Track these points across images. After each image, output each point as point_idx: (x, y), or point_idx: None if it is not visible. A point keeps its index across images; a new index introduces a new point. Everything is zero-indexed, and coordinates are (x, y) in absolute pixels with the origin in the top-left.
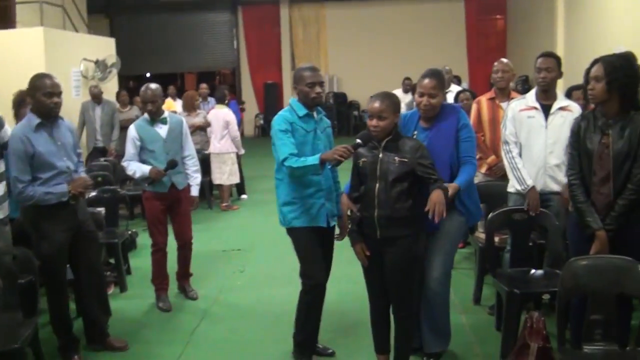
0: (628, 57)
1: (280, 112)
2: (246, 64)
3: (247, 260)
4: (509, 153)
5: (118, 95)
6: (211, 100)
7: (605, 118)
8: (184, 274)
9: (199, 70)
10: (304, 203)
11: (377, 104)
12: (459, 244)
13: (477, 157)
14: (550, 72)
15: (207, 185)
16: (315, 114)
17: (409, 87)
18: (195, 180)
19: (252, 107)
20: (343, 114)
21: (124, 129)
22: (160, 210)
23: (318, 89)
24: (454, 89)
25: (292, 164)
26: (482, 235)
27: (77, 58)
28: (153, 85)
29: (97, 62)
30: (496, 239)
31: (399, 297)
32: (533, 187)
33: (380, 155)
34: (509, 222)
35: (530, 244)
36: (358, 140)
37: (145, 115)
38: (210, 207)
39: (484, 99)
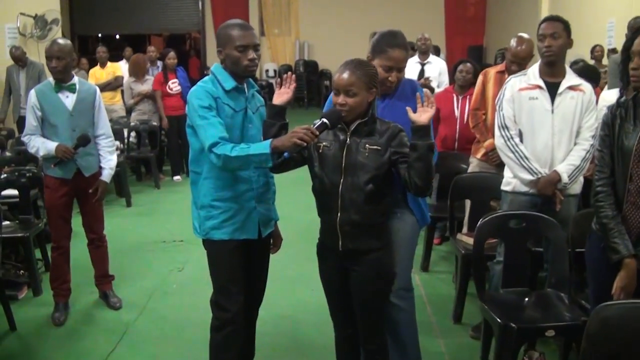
0: None
1: (200, 83)
2: (212, 27)
3: (188, 254)
4: (510, 140)
5: None
6: (160, 64)
7: None
8: (102, 277)
9: (161, 32)
10: (229, 207)
11: (345, 76)
12: (416, 245)
13: (475, 140)
14: (557, 39)
15: (155, 161)
16: (246, 87)
17: None
18: (109, 162)
19: None
20: (313, 84)
21: None
22: (62, 202)
23: (252, 54)
24: (434, 60)
25: (228, 152)
26: (466, 239)
27: (13, 12)
28: (62, 40)
29: (35, 18)
30: None
31: (367, 327)
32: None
33: (348, 141)
34: (504, 231)
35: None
36: (324, 120)
37: (50, 79)
38: (157, 187)
39: (492, 72)
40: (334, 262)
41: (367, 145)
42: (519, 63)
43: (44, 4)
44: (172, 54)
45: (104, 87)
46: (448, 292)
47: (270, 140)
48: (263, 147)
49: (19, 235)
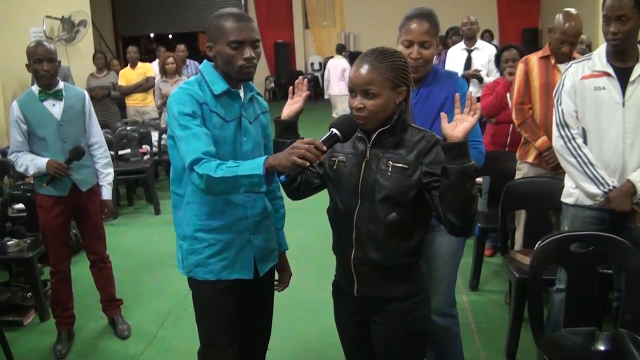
0: None
1: (183, 85)
2: (255, 22)
3: None
4: (571, 141)
5: (94, 57)
6: (190, 63)
7: None
8: (108, 302)
9: (203, 30)
10: (215, 240)
11: (362, 71)
12: (460, 260)
13: (522, 140)
14: (624, 23)
15: None
16: (242, 91)
17: None
18: (106, 178)
19: (262, 68)
20: None
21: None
22: (59, 222)
23: (249, 53)
24: (483, 45)
25: (212, 173)
26: (521, 257)
27: (39, 15)
28: (46, 42)
29: (62, 20)
30: None
31: None
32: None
33: (367, 156)
34: (566, 256)
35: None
36: (334, 131)
37: (33, 87)
38: None
39: (534, 58)
40: (351, 309)
41: (390, 162)
42: (571, 42)
43: (72, 6)
44: None
45: (135, 89)
46: (501, 318)
47: (265, 157)
48: (255, 166)
49: (22, 256)
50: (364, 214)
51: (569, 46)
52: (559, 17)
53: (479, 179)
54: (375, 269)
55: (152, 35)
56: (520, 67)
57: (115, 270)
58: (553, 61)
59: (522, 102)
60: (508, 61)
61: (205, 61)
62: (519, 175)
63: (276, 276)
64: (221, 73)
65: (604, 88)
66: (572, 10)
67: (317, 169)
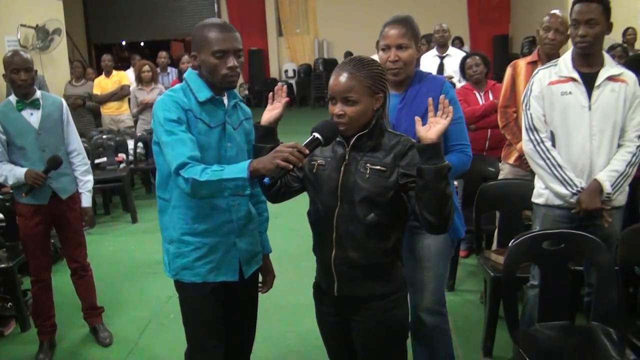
0: None
1: (168, 92)
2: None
3: None
4: (540, 144)
5: (72, 66)
6: (172, 70)
7: None
8: (89, 310)
9: (177, 37)
10: (201, 243)
11: (341, 79)
12: (448, 262)
13: (506, 142)
14: (593, 27)
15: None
16: (225, 99)
17: None
18: (85, 185)
19: None
20: None
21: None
22: (39, 230)
23: (232, 62)
24: (454, 52)
25: (197, 176)
26: (495, 257)
27: (13, 24)
28: (22, 52)
29: (36, 28)
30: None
31: None
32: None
33: (346, 159)
34: (539, 254)
35: None
36: (316, 135)
37: (11, 97)
38: None
39: (522, 63)
40: (331, 309)
41: (368, 165)
42: (556, 29)
43: (46, 15)
44: (185, 57)
45: (110, 97)
46: (477, 317)
47: (249, 161)
48: (239, 170)
49: (2, 266)
50: (343, 215)
51: (555, 33)
52: (545, 18)
53: (455, 182)
54: (355, 269)
55: (124, 42)
56: (508, 71)
57: (95, 278)
58: (539, 65)
59: (507, 105)
60: (471, 67)
61: (189, 69)
62: (501, 175)
63: (260, 278)
64: (205, 81)
65: (570, 93)
66: (557, 11)
67: (297, 172)
